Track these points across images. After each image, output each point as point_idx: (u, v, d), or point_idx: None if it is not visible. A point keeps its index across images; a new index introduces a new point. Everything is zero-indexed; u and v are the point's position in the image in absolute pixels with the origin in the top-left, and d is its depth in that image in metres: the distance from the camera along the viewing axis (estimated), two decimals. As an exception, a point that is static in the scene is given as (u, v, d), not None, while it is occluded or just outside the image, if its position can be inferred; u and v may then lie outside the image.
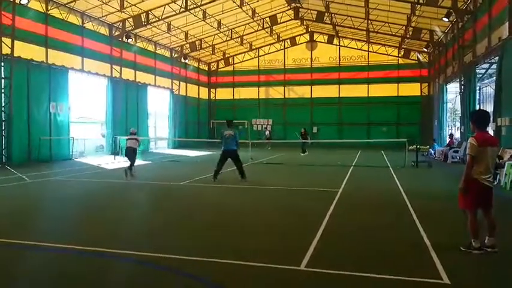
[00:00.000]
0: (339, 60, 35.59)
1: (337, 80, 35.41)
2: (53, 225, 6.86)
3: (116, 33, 24.57)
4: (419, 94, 33.68)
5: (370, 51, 34.53)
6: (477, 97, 19.42)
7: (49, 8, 19.83)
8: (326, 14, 28.26)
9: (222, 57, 37.25)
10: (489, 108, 17.74)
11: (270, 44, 36.51)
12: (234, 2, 25.30)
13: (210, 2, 24.50)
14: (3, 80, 17.14)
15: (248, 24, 30.08)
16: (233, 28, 30.31)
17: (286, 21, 31.42)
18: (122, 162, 18.61)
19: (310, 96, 36.19)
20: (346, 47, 35.03)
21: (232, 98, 38.34)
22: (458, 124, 24.54)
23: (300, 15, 30.68)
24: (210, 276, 4.38)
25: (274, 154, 23.38)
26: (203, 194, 10.27)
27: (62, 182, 12.38)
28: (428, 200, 9.14)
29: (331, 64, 35.72)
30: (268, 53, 37.29)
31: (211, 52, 34.29)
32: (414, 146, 17.60)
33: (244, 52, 36.90)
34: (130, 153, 13.24)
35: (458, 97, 22.32)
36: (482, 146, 5.04)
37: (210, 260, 4.86)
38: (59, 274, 4.58)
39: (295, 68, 36.65)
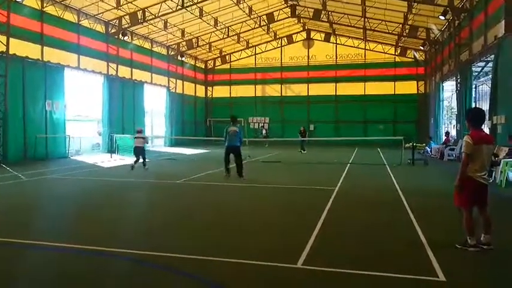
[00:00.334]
0: (336, 58, 35.61)
1: (334, 78, 35.44)
2: (51, 224, 6.84)
3: (112, 31, 24.46)
4: (415, 92, 33.79)
5: (367, 49, 34.57)
6: (473, 95, 19.50)
7: (45, 5, 19.71)
8: (323, 12, 28.25)
9: (218, 55, 37.18)
10: (485, 106, 17.81)
11: (267, 42, 36.49)
12: (230, -1, 25.27)
13: (206, 0, 24.43)
14: (-2, 78, 17.05)
15: (245, 22, 30.05)
16: (230, 26, 30.25)
17: (283, 19, 31.38)
18: (119, 160, 18.60)
19: (307, 94, 36.22)
20: (343, 45, 35.06)
21: (229, 96, 38.30)
22: (454, 122, 24.62)
23: (296, 13, 30.64)
24: (208, 275, 4.39)
25: (271, 152, 23.40)
26: (200, 192, 10.27)
27: (59, 180, 12.33)
28: (425, 198, 9.18)
29: (328, 62, 35.75)
30: (265, 51, 37.27)
31: (208, 50, 34.23)
32: (410, 144, 17.64)
33: (241, 50, 36.85)
34: (139, 152, 14.13)
35: (455, 95, 22.39)
36: (477, 144, 5.06)
37: (208, 259, 4.86)
38: (57, 273, 4.57)
39: (292, 66, 36.65)
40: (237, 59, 37.96)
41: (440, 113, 25.72)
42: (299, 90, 36.60)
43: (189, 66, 35.69)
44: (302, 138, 23.98)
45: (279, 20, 31.32)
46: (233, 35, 32.14)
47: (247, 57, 37.62)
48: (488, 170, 5.40)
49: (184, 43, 31.28)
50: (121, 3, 22.01)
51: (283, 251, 5.18)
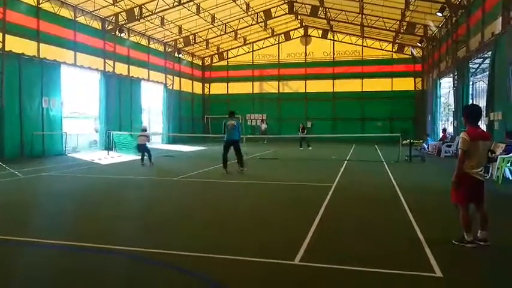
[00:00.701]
0: (333, 54, 35.60)
1: (332, 74, 35.44)
2: (48, 221, 6.82)
3: (109, 27, 24.35)
4: (413, 89, 33.83)
5: (364, 46, 34.56)
6: (470, 92, 19.53)
7: (41, 1, 19.57)
8: (320, 8, 28.23)
9: (216, 51, 37.09)
10: (482, 102, 17.85)
11: (264, 39, 36.41)
12: (228, -4, 25.19)
13: (203, -4, 24.39)
14: (-6, 75, 16.96)
15: (242, 18, 29.96)
16: (227, 22, 30.17)
17: (281, 15, 31.30)
18: (116, 157, 18.56)
19: (304, 91, 36.21)
20: (341, 41, 35.04)
21: (226, 92, 38.24)
22: (451, 119, 24.68)
23: (294, 9, 30.59)
24: (206, 272, 4.39)
25: (268, 149, 23.40)
26: (197, 190, 10.26)
27: (56, 177, 12.30)
28: (422, 194, 9.21)
29: (325, 59, 35.73)
30: (262, 48, 37.20)
31: (205, 46, 34.14)
32: (408, 141, 17.69)
33: (239, 47, 36.78)
34: (142, 149, 14.74)
35: (452, 92, 22.44)
36: (474, 141, 5.07)
37: (206, 256, 4.86)
38: (55, 271, 4.56)
39: (290, 63, 36.61)
40: (235, 56, 37.88)
41: (438, 109, 25.76)
42: (296, 87, 36.57)
43: (186, 63, 35.60)
44: (302, 135, 23.97)
45: (277, 17, 31.26)
46: (230, 32, 32.06)
47: (244, 54, 37.55)
48: (485, 166, 5.42)
49: (181, 40, 31.20)
50: (117, 0, 21.89)
51: (281, 248, 5.18)
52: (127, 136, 21.78)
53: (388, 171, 13.26)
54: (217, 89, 38.63)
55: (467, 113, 5.37)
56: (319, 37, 35.56)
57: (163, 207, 8.07)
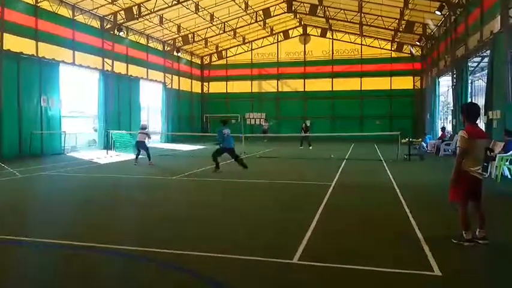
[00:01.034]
0: (332, 53, 35.57)
1: (331, 73, 35.42)
2: (46, 221, 6.80)
3: (108, 26, 24.29)
4: (412, 87, 33.83)
5: (363, 45, 34.54)
6: (469, 90, 19.53)
7: (39, 0, 19.52)
8: (319, 7, 28.20)
9: (215, 50, 37.04)
10: (481, 101, 17.87)
11: (263, 38, 36.35)
12: (226, -6, 25.15)
13: (202, -5, 24.34)
14: (-8, 74, 16.91)
15: (241, 17, 29.91)
16: (226, 21, 30.11)
17: (280, 14, 31.27)
18: (115, 156, 18.54)
19: (303, 90, 36.19)
20: (340, 40, 35.00)
21: (225, 91, 38.19)
22: (450, 117, 24.70)
23: (293, 8, 30.54)
24: (205, 271, 4.39)
25: (268, 148, 23.38)
26: (195, 188, 10.26)
27: (54, 176, 12.28)
28: (420, 193, 9.22)
29: (324, 58, 35.70)
30: (261, 47, 37.13)
31: (204, 45, 34.08)
32: (407, 139, 17.69)
33: (237, 45, 36.72)
34: (140, 146, 14.82)
35: (451, 90, 22.45)
36: (472, 139, 5.08)
37: (205, 255, 4.86)
38: (53, 270, 4.56)
39: (289, 62, 36.56)
40: (233, 55, 37.82)
41: (436, 108, 25.78)
42: (295, 86, 36.54)
43: (185, 62, 35.55)
44: (304, 134, 23.90)
45: (276, 16, 31.21)
46: (229, 31, 32.01)
47: (243, 52, 37.49)
48: (483, 165, 5.43)
49: (180, 38, 31.15)
50: (116, -2, 21.86)
51: (280, 246, 5.18)
52: (126, 135, 21.76)
53: (387, 169, 13.26)
54: (216, 87, 38.58)
55: (465, 111, 5.39)
56: (318, 36, 35.52)
57: (162, 206, 8.06)
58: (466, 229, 5.16)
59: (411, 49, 32.77)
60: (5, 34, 17.09)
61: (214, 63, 38.65)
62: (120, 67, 25.80)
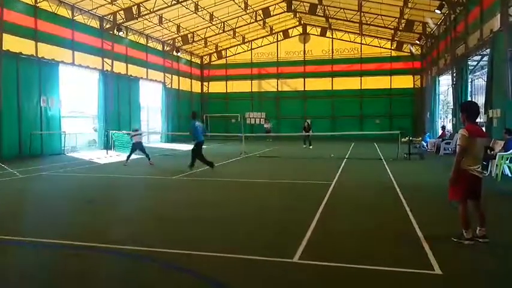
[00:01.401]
0: (332, 52, 35.55)
1: (330, 72, 35.40)
2: (46, 221, 6.79)
3: (107, 26, 24.28)
4: (411, 86, 33.83)
5: (363, 44, 34.52)
6: (469, 89, 19.54)
7: (38, 0, 19.51)
8: (319, 6, 28.17)
9: (214, 50, 37.02)
10: (481, 100, 17.86)
11: (263, 37, 36.34)
12: (226, -6, 25.13)
13: (201, -6, 24.32)
14: (-8, 74, 16.90)
15: (241, 16, 29.90)
16: (225, 21, 30.10)
17: (279, 13, 31.25)
18: (115, 156, 18.53)
19: (303, 89, 36.17)
20: (339, 39, 34.99)
21: (225, 91, 38.18)
22: (450, 116, 24.68)
23: (292, 7, 30.53)
24: (206, 270, 4.38)
25: (267, 147, 23.37)
26: (195, 188, 10.26)
27: (54, 177, 12.27)
28: (420, 192, 9.22)
29: (324, 57, 35.68)
30: (261, 46, 37.12)
31: (203, 45, 34.06)
32: (407, 138, 17.69)
33: (237, 45, 36.70)
34: (137, 147, 14.85)
35: (451, 89, 22.43)
36: (472, 137, 5.08)
37: (206, 254, 4.85)
38: (52, 270, 4.55)
39: (288, 61, 36.55)
40: (233, 54, 37.81)
41: (436, 107, 25.77)
42: (295, 85, 36.52)
43: (184, 62, 35.53)
44: (306, 133, 23.89)
45: (275, 15, 31.20)
46: (229, 30, 31.99)
47: (243, 52, 37.47)
48: (482, 164, 5.42)
49: (179, 38, 31.13)
50: (115, -2, 21.83)
51: (280, 246, 5.18)
52: (126, 135, 21.72)
53: (387, 169, 13.26)
54: (216, 87, 38.56)
55: (465, 110, 5.38)
56: (317, 35, 35.49)
57: (162, 206, 8.05)
58: (466, 228, 5.15)
59: (411, 48, 32.74)
60: (4, 34, 17.06)
61: (213, 62, 38.63)
62: (119, 67, 25.79)
